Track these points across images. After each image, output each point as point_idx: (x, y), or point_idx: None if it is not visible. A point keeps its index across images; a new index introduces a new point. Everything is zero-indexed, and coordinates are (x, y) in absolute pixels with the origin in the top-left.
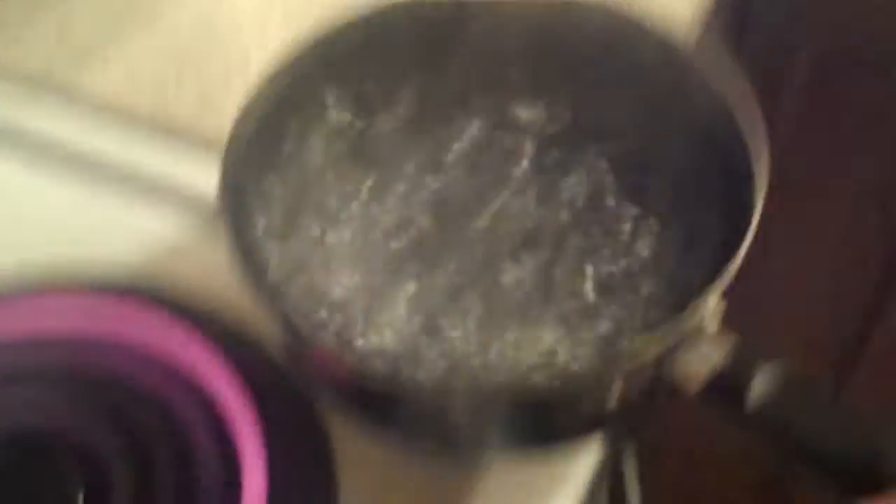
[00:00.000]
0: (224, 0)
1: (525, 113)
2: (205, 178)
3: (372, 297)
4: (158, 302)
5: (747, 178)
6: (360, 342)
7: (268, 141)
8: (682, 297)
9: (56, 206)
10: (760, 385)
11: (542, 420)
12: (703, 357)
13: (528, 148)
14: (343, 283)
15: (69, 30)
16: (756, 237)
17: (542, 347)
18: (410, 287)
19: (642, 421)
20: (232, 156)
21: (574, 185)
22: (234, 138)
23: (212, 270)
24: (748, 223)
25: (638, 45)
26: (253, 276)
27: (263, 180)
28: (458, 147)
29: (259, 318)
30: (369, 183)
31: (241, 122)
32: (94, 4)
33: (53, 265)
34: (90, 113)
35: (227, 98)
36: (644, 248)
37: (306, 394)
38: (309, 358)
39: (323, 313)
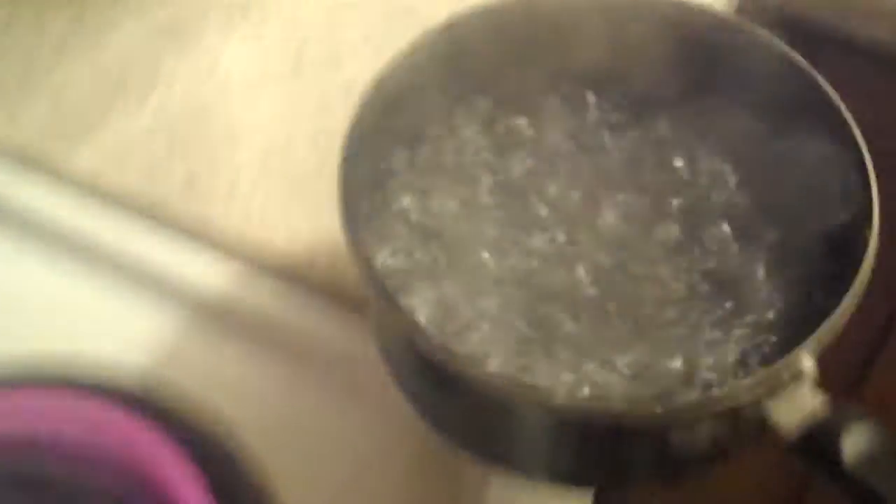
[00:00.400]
0: (214, 78)
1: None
2: (189, 268)
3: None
4: (129, 402)
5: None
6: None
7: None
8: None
9: (38, 290)
10: (855, 442)
11: (619, 455)
12: (799, 406)
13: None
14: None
15: (61, 109)
16: None
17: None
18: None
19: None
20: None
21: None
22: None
23: (193, 370)
24: (854, 274)
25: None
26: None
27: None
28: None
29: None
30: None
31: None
32: (87, 83)
33: (28, 352)
34: (78, 193)
35: (214, 181)
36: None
37: None
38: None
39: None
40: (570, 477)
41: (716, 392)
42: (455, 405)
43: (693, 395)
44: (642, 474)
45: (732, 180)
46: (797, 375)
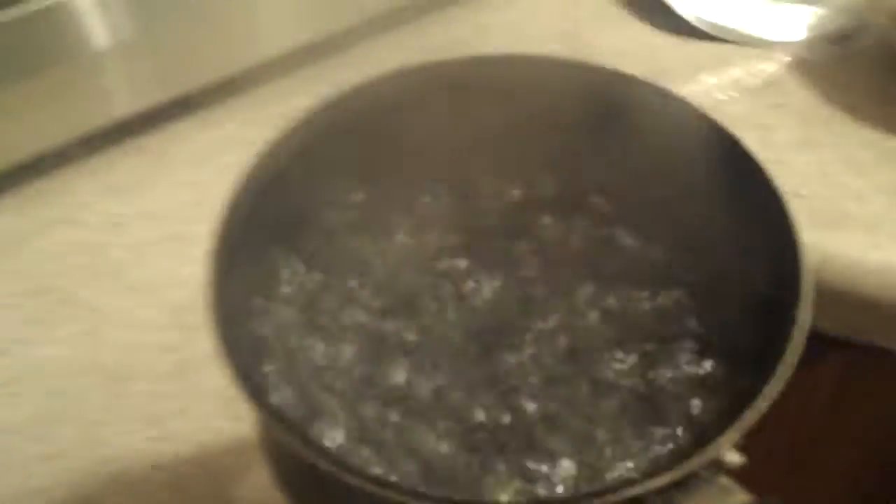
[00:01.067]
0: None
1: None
2: None
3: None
4: None
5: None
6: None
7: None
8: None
9: None
10: None
11: None
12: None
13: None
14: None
15: None
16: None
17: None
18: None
19: None
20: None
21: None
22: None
23: None
24: (774, 367)
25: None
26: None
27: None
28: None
29: None
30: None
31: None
32: None
33: None
34: None
35: None
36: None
37: None
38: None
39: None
40: None
41: (623, 486)
42: None
43: (598, 488)
44: None
45: (653, 252)
46: (715, 469)
